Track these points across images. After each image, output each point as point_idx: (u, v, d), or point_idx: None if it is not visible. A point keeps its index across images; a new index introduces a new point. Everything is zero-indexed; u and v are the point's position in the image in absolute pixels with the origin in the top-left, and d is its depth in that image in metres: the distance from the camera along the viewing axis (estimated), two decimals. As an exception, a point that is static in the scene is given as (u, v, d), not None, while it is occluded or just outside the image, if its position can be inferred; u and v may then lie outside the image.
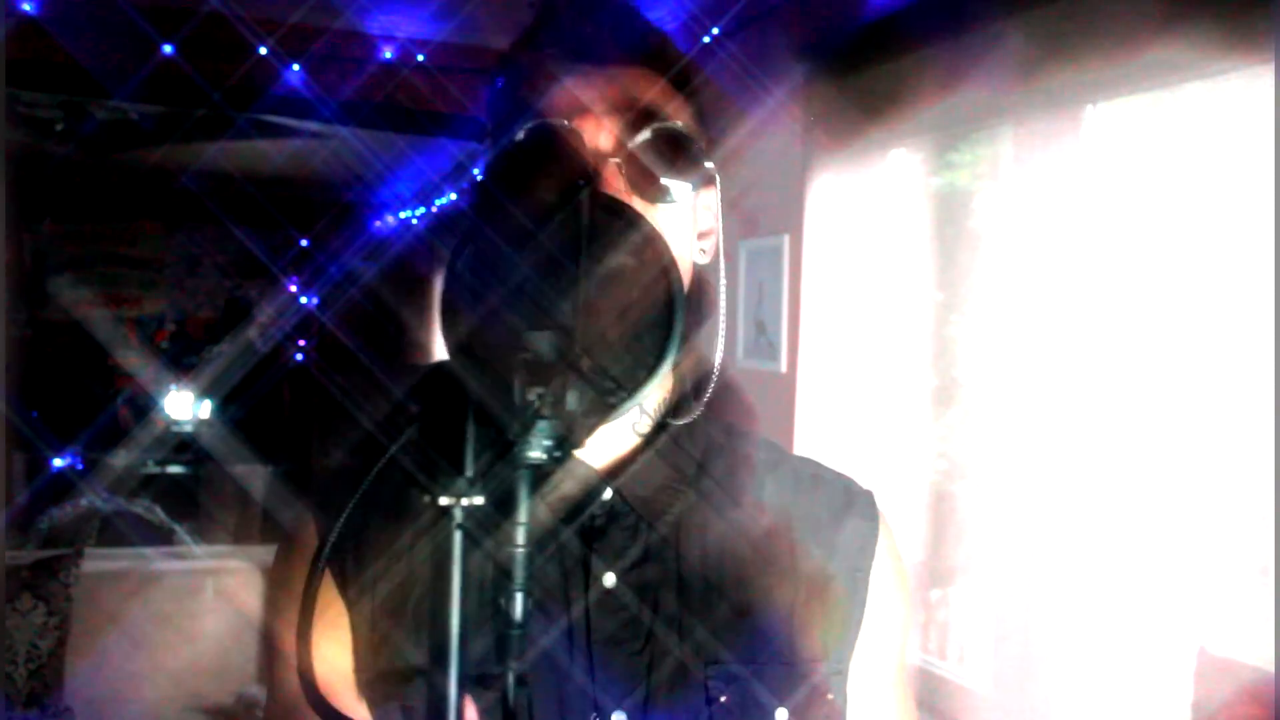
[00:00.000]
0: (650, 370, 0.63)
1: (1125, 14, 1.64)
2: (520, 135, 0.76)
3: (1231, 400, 1.65)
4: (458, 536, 0.58)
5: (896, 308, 2.36)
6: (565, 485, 0.76)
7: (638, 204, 0.74)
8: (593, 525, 0.77)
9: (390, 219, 5.78)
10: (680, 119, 0.78)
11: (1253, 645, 1.62)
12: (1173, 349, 1.74)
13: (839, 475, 0.90)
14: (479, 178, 0.80)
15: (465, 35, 3.14)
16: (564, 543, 0.76)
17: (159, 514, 3.97)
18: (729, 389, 0.87)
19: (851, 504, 0.87)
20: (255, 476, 5.65)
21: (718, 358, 0.83)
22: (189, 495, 5.69)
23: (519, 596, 0.60)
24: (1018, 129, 1.97)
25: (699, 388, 0.84)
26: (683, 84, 0.80)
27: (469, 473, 0.59)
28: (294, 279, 6.22)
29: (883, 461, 2.37)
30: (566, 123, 0.75)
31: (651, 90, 0.77)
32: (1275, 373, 1.40)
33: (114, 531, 3.88)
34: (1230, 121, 1.65)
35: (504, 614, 0.60)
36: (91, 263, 6.92)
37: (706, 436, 0.85)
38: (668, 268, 0.64)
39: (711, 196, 0.84)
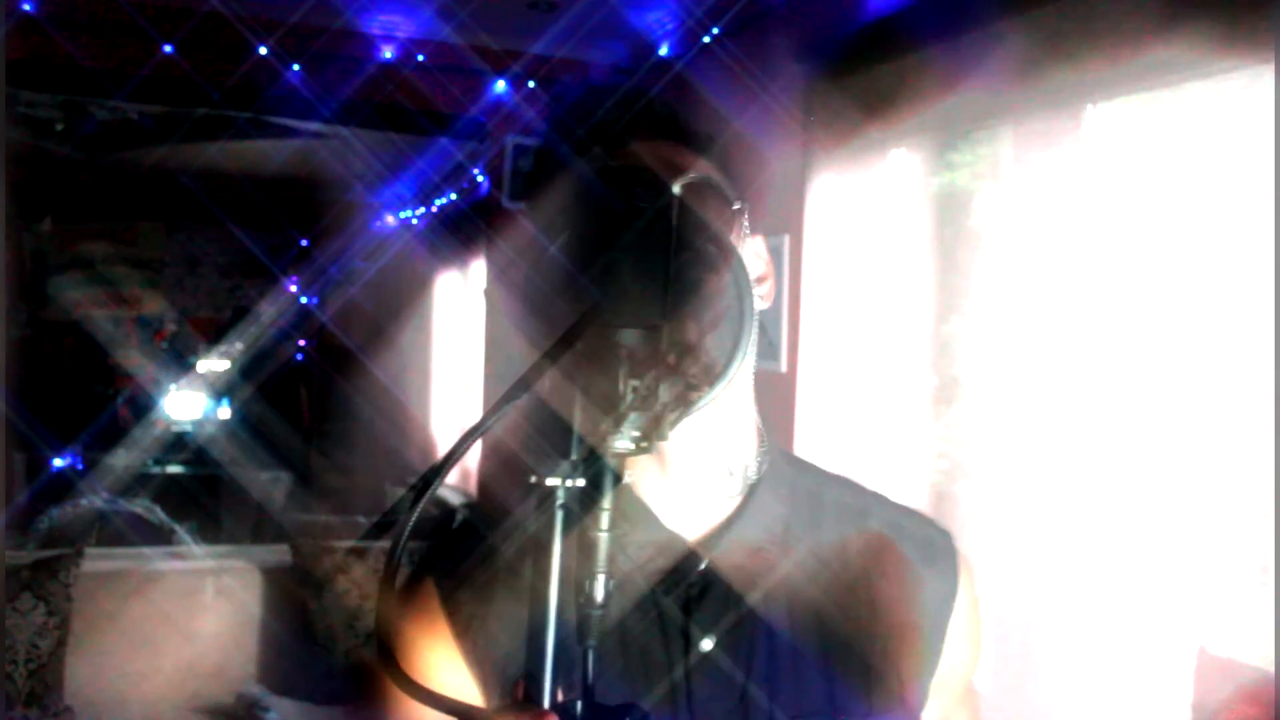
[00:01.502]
0: (726, 364, 0.68)
1: (1125, 14, 1.64)
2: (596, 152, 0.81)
3: (1231, 400, 1.65)
4: (560, 515, 0.62)
5: (896, 307, 2.36)
6: (662, 556, 0.81)
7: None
8: (689, 595, 0.81)
9: (390, 219, 5.78)
10: (712, 173, 0.84)
11: (1253, 645, 1.62)
12: (1173, 349, 1.74)
13: (922, 524, 0.92)
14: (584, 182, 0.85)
15: (465, 35, 3.14)
16: (664, 612, 0.81)
17: (159, 514, 3.97)
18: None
19: (934, 559, 0.89)
20: (260, 478, 5.65)
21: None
22: (189, 495, 5.69)
23: (600, 578, 0.63)
24: (1018, 129, 1.97)
25: (765, 440, 0.89)
26: (707, 149, 0.86)
27: (574, 456, 0.63)
28: (294, 279, 6.22)
29: (883, 461, 2.37)
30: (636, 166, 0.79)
31: (683, 155, 0.83)
32: (1275, 373, 1.40)
33: (114, 531, 3.88)
34: (1230, 121, 1.65)
35: (586, 595, 0.63)
36: (91, 263, 6.92)
37: (792, 487, 0.88)
38: (740, 278, 0.69)
39: (758, 245, 0.90)
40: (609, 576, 0.64)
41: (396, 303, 5.95)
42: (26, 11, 2.82)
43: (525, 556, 0.78)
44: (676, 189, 0.78)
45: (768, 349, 2.62)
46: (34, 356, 6.38)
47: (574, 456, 0.63)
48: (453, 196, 4.86)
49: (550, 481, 0.63)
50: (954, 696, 0.90)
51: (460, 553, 0.84)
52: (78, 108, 4.35)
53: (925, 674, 0.87)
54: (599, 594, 0.64)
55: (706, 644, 0.80)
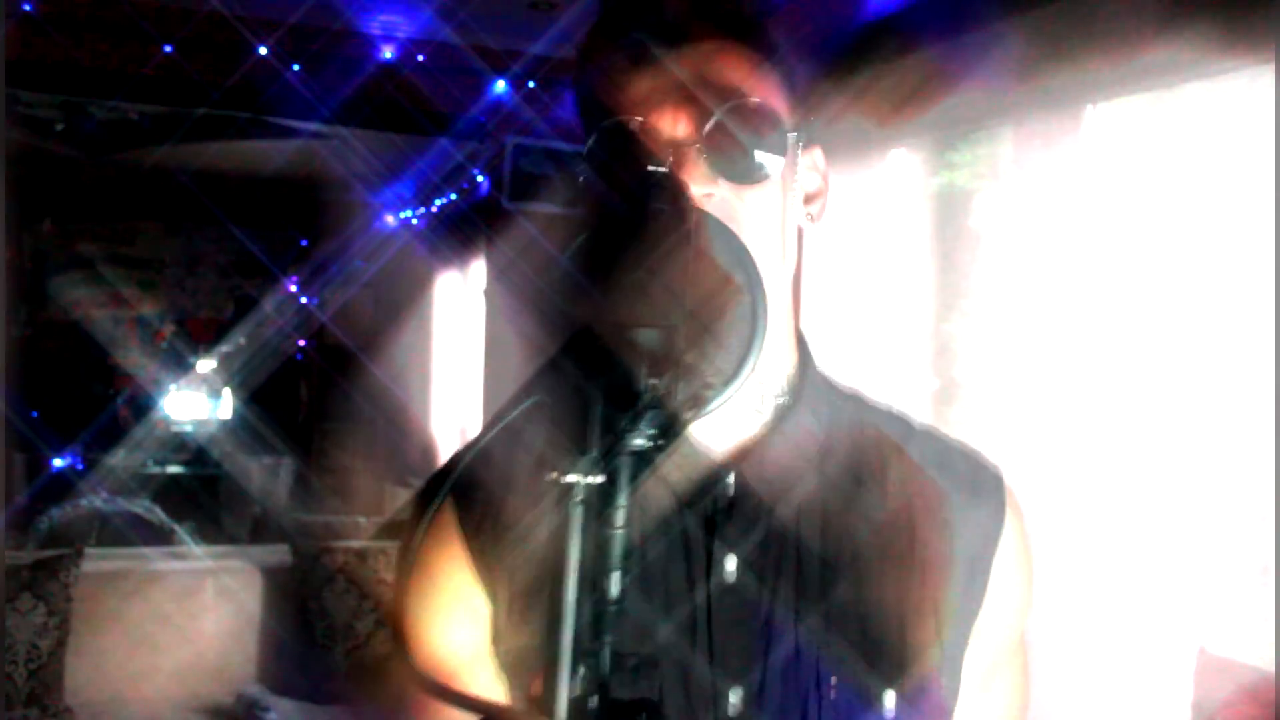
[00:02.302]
0: (740, 364, 0.67)
1: (1125, 14, 1.64)
2: (594, 139, 0.79)
3: (1232, 400, 1.65)
4: (578, 513, 0.62)
5: (896, 308, 2.36)
6: (688, 470, 0.78)
7: (725, 187, 0.76)
8: (715, 510, 0.79)
9: (390, 219, 5.78)
10: (762, 87, 0.79)
11: (1253, 645, 1.62)
12: (1173, 349, 1.74)
13: (966, 454, 0.89)
14: (582, 175, 0.83)
15: (465, 35, 3.14)
16: (687, 528, 0.78)
17: (159, 514, 3.97)
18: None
19: (977, 491, 0.86)
20: (260, 478, 5.65)
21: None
22: (189, 495, 5.69)
23: (615, 575, 0.63)
24: (1018, 129, 1.97)
25: (806, 363, 0.86)
26: (763, 48, 0.80)
27: (594, 452, 0.62)
28: (294, 279, 6.22)
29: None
30: (640, 118, 0.76)
31: (730, 64, 0.78)
32: (1275, 373, 1.40)
33: (114, 531, 3.88)
34: (1230, 121, 1.65)
35: (601, 591, 0.63)
36: (91, 263, 6.92)
37: (832, 410, 0.86)
38: (754, 280, 0.68)
39: (815, 156, 0.87)
40: (625, 573, 0.64)
41: (396, 303, 5.95)
42: (26, 11, 2.82)
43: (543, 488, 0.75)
44: (723, 115, 0.76)
45: (768, 349, 2.62)
46: (34, 356, 6.38)
47: (594, 453, 0.63)
48: (453, 196, 4.86)
49: (569, 478, 0.62)
50: (1002, 648, 0.85)
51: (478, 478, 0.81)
52: (78, 108, 4.35)
53: (966, 614, 0.82)
54: (615, 591, 0.63)
55: (730, 564, 0.78)
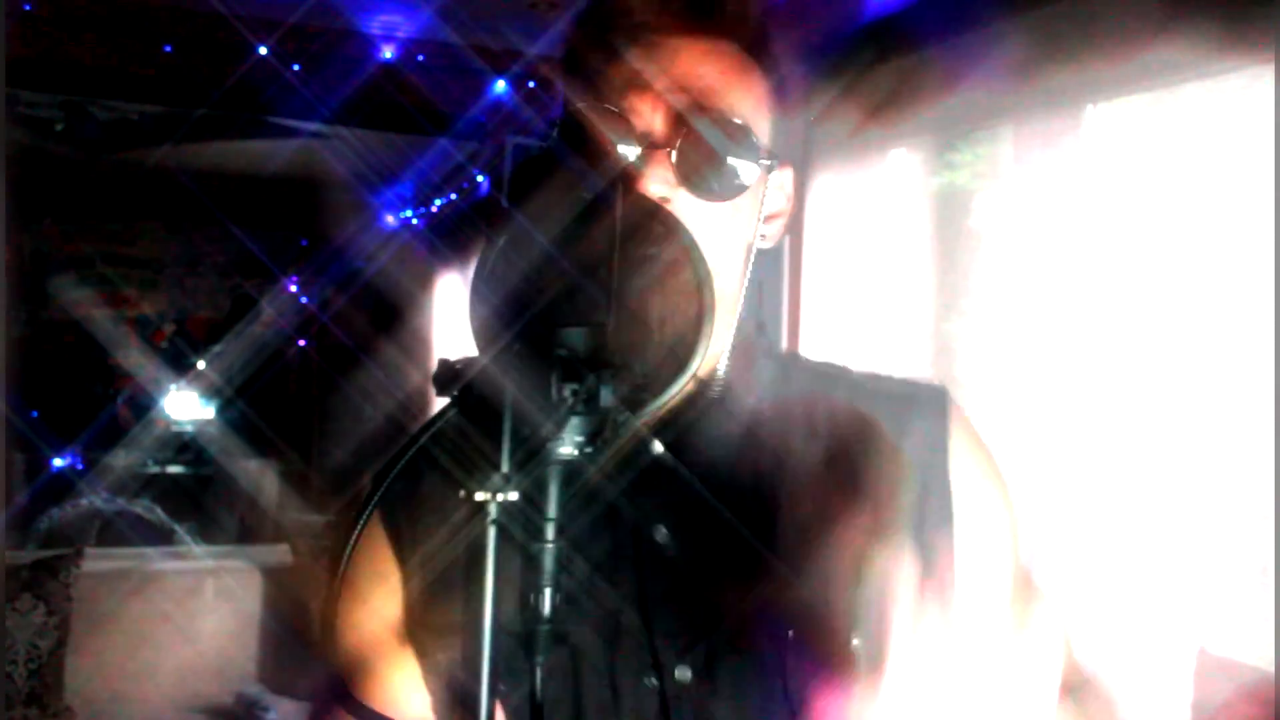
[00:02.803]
0: (678, 371, 0.63)
1: (1125, 14, 1.64)
2: (557, 124, 0.74)
3: (1231, 400, 1.65)
4: (492, 532, 0.58)
5: (896, 307, 2.36)
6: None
7: (683, 196, 0.72)
8: (641, 480, 0.75)
9: (390, 219, 5.78)
10: (752, 96, 0.75)
11: (1253, 645, 1.62)
12: (1173, 349, 1.74)
13: (904, 381, 0.85)
14: (520, 167, 0.79)
15: (465, 35, 3.14)
16: (612, 500, 0.74)
17: (159, 514, 3.97)
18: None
19: (914, 407, 0.81)
20: (257, 476, 5.65)
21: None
22: (189, 495, 5.69)
23: (547, 592, 0.60)
24: (1018, 129, 1.97)
25: (746, 342, 0.82)
26: (758, 57, 0.77)
27: (505, 468, 0.59)
28: (294, 279, 6.22)
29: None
30: (611, 107, 0.72)
31: (720, 65, 0.74)
32: (1275, 373, 1.40)
33: (114, 531, 3.88)
34: (1230, 121, 1.65)
35: (533, 610, 0.60)
36: (91, 263, 6.92)
37: (764, 373, 0.82)
38: (700, 270, 0.64)
39: (784, 177, 0.82)
40: (556, 591, 0.60)
41: (396, 303, 5.95)
42: (26, 11, 2.82)
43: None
44: (705, 121, 0.71)
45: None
46: (34, 356, 6.38)
47: (505, 469, 0.59)
48: (453, 196, 4.86)
49: (479, 496, 0.58)
50: (1002, 578, 0.79)
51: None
52: (78, 108, 4.35)
53: (934, 530, 0.77)
54: (546, 608, 0.60)
55: (660, 534, 0.74)
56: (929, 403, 0.82)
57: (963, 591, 0.78)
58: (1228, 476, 1.66)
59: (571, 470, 0.61)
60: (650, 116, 0.72)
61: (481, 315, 0.63)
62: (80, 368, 6.78)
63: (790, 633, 0.72)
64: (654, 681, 0.73)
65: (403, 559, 0.77)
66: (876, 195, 2.39)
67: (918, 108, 2.10)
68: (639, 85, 0.72)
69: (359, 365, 5.69)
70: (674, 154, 0.72)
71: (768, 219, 0.81)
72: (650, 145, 0.72)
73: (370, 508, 0.67)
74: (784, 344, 2.57)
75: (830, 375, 0.85)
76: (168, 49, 2.95)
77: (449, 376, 0.60)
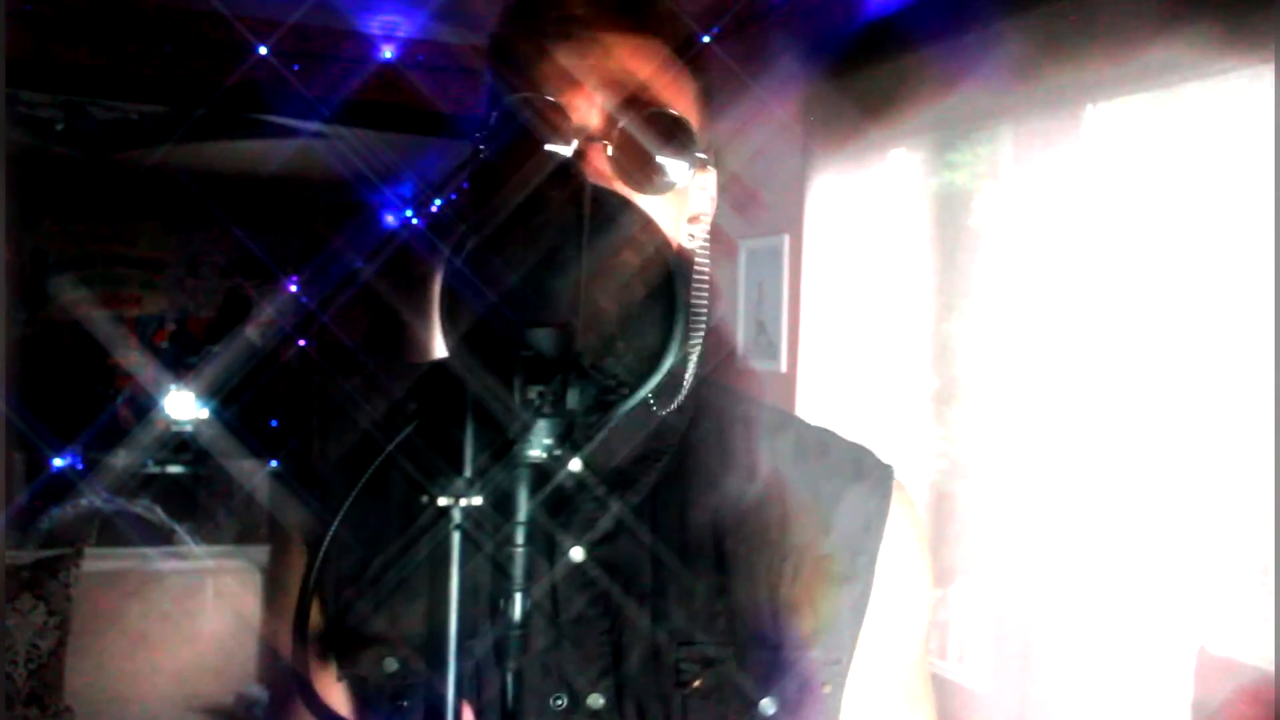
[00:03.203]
0: (651, 368, 0.61)
1: (1125, 14, 1.64)
2: (498, 114, 0.72)
3: (1231, 400, 1.65)
4: (456, 537, 0.57)
5: (896, 308, 2.36)
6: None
7: (621, 188, 0.70)
8: (560, 496, 0.72)
9: (390, 219, 5.78)
10: (682, 96, 0.74)
11: (1253, 645, 1.62)
12: (1173, 349, 1.74)
13: (853, 447, 0.81)
14: (471, 165, 0.78)
15: (465, 35, 3.14)
16: (530, 515, 0.71)
17: (159, 514, 3.97)
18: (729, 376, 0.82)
19: (861, 476, 0.79)
20: (255, 475, 5.65)
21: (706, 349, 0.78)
22: (189, 495, 5.69)
23: (519, 597, 0.58)
24: (1018, 129, 1.97)
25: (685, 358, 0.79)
26: (687, 55, 0.75)
27: (468, 473, 0.58)
28: (294, 279, 6.22)
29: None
30: (551, 98, 0.70)
31: (652, 63, 0.72)
32: (1275, 373, 1.40)
33: (114, 531, 3.88)
34: (1230, 121, 1.65)
35: (504, 615, 0.58)
36: (91, 263, 6.92)
37: (699, 398, 0.79)
38: (670, 265, 0.62)
39: (708, 179, 0.80)
40: (528, 595, 0.59)
41: (396, 303, 5.95)
42: (27, 11, 2.81)
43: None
44: (640, 116, 0.69)
45: (768, 349, 2.62)
46: (34, 356, 6.38)
47: (467, 473, 0.58)
48: (454, 197, 4.85)
49: (442, 501, 0.57)
50: (896, 666, 0.77)
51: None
52: (78, 108, 4.35)
53: (847, 609, 0.75)
54: (517, 613, 0.58)
55: (577, 554, 0.71)
56: (874, 478, 0.79)
57: (858, 687, 0.76)
58: (1228, 477, 1.66)
59: (539, 475, 0.60)
60: (586, 110, 0.71)
61: (447, 318, 0.61)
62: (80, 368, 6.78)
63: (697, 683, 0.70)
64: (561, 702, 0.71)
65: (368, 563, 0.75)
66: (876, 195, 2.39)
67: (918, 108, 2.10)
68: (572, 79, 0.71)
69: (358, 365, 5.69)
70: (609, 147, 0.70)
71: (691, 220, 0.79)
72: (586, 139, 0.70)
73: (341, 513, 0.66)
74: (784, 344, 2.57)
75: (777, 416, 0.82)
76: (168, 49, 2.95)
77: (413, 380, 0.60)
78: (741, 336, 2.71)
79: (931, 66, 2.03)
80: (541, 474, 0.69)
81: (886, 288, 2.38)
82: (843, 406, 2.41)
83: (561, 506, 0.72)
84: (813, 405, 2.46)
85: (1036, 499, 1.88)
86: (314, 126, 3.88)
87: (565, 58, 0.71)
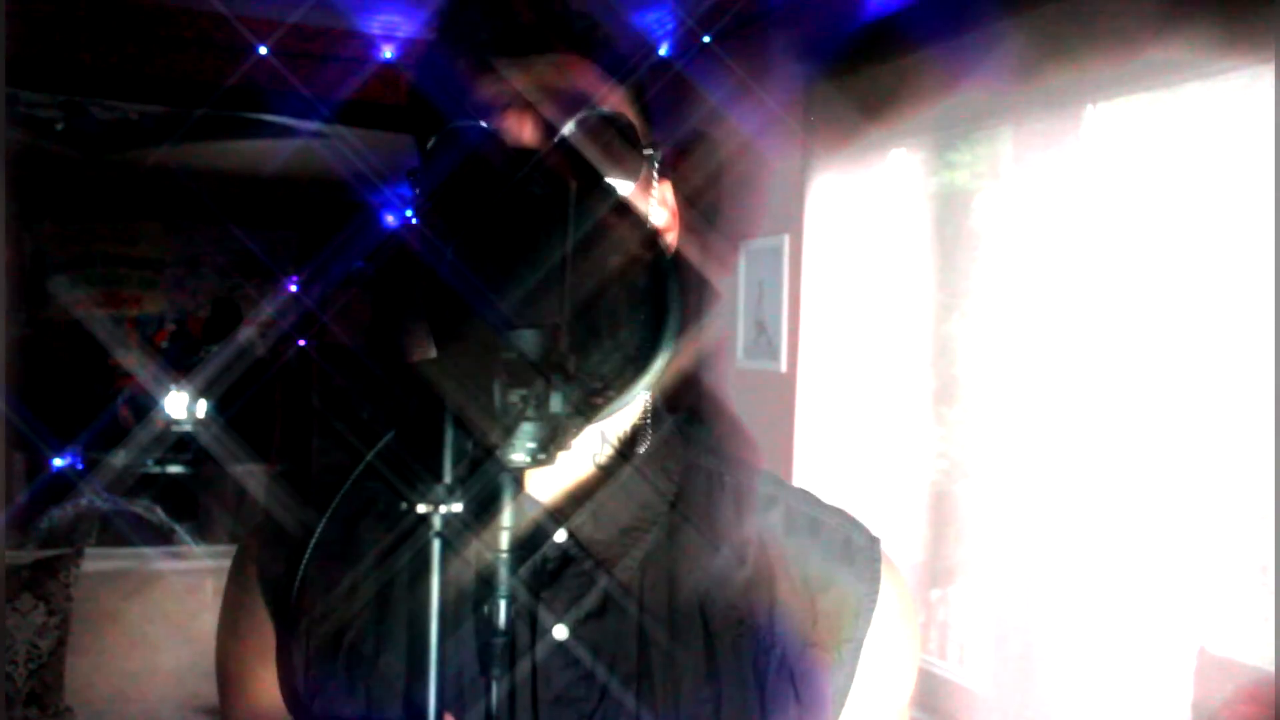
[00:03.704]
0: (641, 367, 0.59)
1: (1125, 14, 1.64)
2: (435, 142, 0.71)
3: (1231, 400, 1.65)
4: (436, 545, 0.56)
5: (896, 307, 2.36)
6: (511, 525, 0.65)
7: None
8: (544, 570, 0.69)
9: (390, 219, 5.78)
10: (617, 107, 0.72)
11: (1253, 645, 1.62)
12: (1172, 349, 1.74)
13: (842, 521, 0.78)
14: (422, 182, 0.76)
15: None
16: (509, 590, 0.67)
17: (159, 514, 3.97)
18: (716, 407, 0.80)
19: (850, 559, 0.75)
20: (254, 476, 5.65)
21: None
22: (189, 495, 5.69)
23: (503, 604, 0.58)
24: (1018, 129, 1.97)
25: (673, 403, 0.76)
26: (618, 70, 0.73)
27: (448, 479, 0.57)
28: (293, 279, 6.22)
29: (883, 461, 2.37)
30: (483, 124, 0.69)
31: (582, 77, 0.70)
32: (1275, 373, 1.40)
33: (114, 531, 3.88)
34: (1230, 121, 1.65)
35: (488, 622, 0.57)
36: (91, 263, 6.93)
37: (687, 464, 0.76)
38: (661, 261, 0.61)
39: (665, 190, 0.77)
40: (511, 601, 0.58)
41: (396, 303, 5.94)
42: (26, 11, 2.82)
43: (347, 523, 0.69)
44: (574, 124, 0.67)
45: (768, 349, 2.62)
46: (34, 356, 6.38)
47: (447, 479, 0.57)
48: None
49: (422, 508, 0.56)
50: None
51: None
52: (78, 108, 4.35)
53: (833, 694, 0.73)
54: (502, 620, 0.57)
55: (560, 632, 0.68)
56: (863, 560, 0.76)
57: None
58: (1227, 476, 1.66)
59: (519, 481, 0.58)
60: (521, 124, 0.69)
61: (426, 321, 0.60)
62: (80, 368, 6.78)
63: None
64: None
65: (347, 572, 0.73)
66: (876, 195, 2.39)
67: (918, 108, 2.10)
68: (508, 96, 0.69)
69: (358, 365, 5.68)
70: (547, 153, 0.67)
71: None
72: (526, 154, 0.67)
73: (325, 519, 0.64)
74: (784, 344, 2.57)
75: (768, 486, 0.79)
76: (168, 49, 2.95)
77: (395, 385, 0.59)
78: (741, 336, 2.71)
79: (931, 66, 2.03)
80: (528, 546, 0.68)
81: (886, 288, 2.38)
82: (842, 407, 2.42)
83: (545, 581, 0.69)
84: (813, 405, 2.46)
85: (1036, 499, 1.88)
86: (314, 126, 3.88)
87: (500, 80, 0.69)
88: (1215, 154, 1.69)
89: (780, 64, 2.55)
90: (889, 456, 2.34)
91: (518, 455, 0.57)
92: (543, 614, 0.68)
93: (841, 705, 0.74)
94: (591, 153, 0.69)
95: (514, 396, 0.56)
